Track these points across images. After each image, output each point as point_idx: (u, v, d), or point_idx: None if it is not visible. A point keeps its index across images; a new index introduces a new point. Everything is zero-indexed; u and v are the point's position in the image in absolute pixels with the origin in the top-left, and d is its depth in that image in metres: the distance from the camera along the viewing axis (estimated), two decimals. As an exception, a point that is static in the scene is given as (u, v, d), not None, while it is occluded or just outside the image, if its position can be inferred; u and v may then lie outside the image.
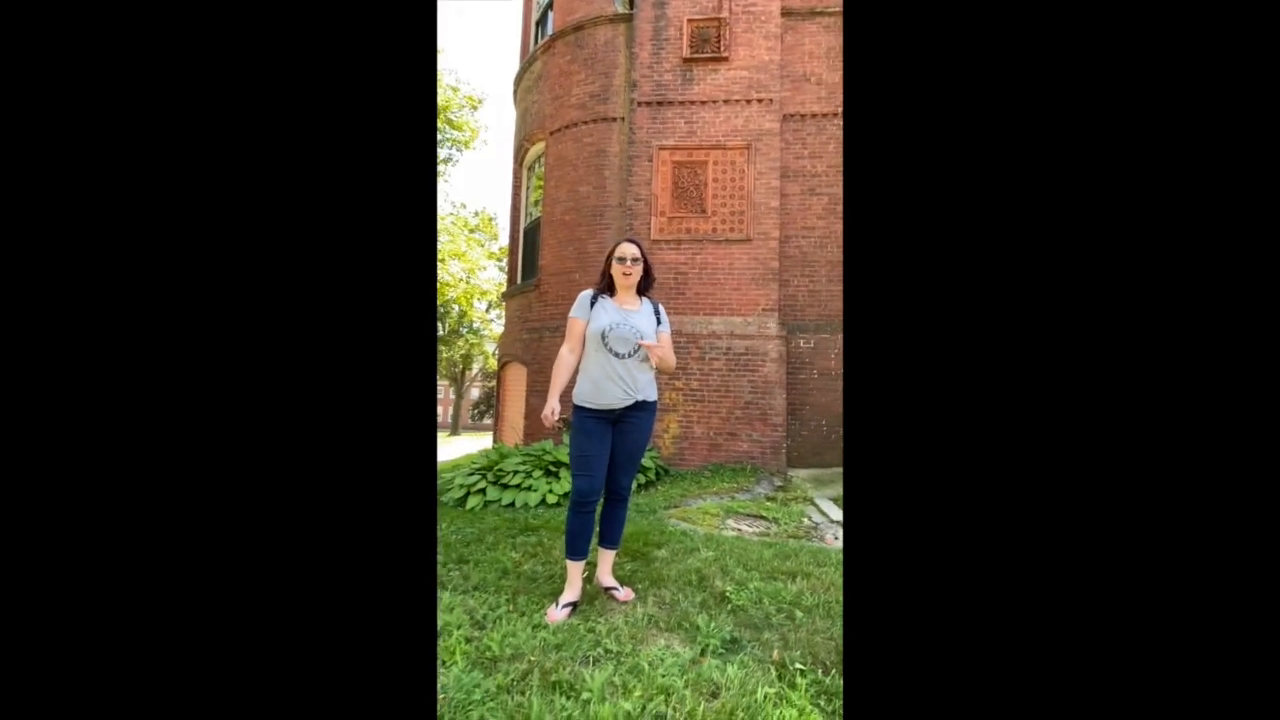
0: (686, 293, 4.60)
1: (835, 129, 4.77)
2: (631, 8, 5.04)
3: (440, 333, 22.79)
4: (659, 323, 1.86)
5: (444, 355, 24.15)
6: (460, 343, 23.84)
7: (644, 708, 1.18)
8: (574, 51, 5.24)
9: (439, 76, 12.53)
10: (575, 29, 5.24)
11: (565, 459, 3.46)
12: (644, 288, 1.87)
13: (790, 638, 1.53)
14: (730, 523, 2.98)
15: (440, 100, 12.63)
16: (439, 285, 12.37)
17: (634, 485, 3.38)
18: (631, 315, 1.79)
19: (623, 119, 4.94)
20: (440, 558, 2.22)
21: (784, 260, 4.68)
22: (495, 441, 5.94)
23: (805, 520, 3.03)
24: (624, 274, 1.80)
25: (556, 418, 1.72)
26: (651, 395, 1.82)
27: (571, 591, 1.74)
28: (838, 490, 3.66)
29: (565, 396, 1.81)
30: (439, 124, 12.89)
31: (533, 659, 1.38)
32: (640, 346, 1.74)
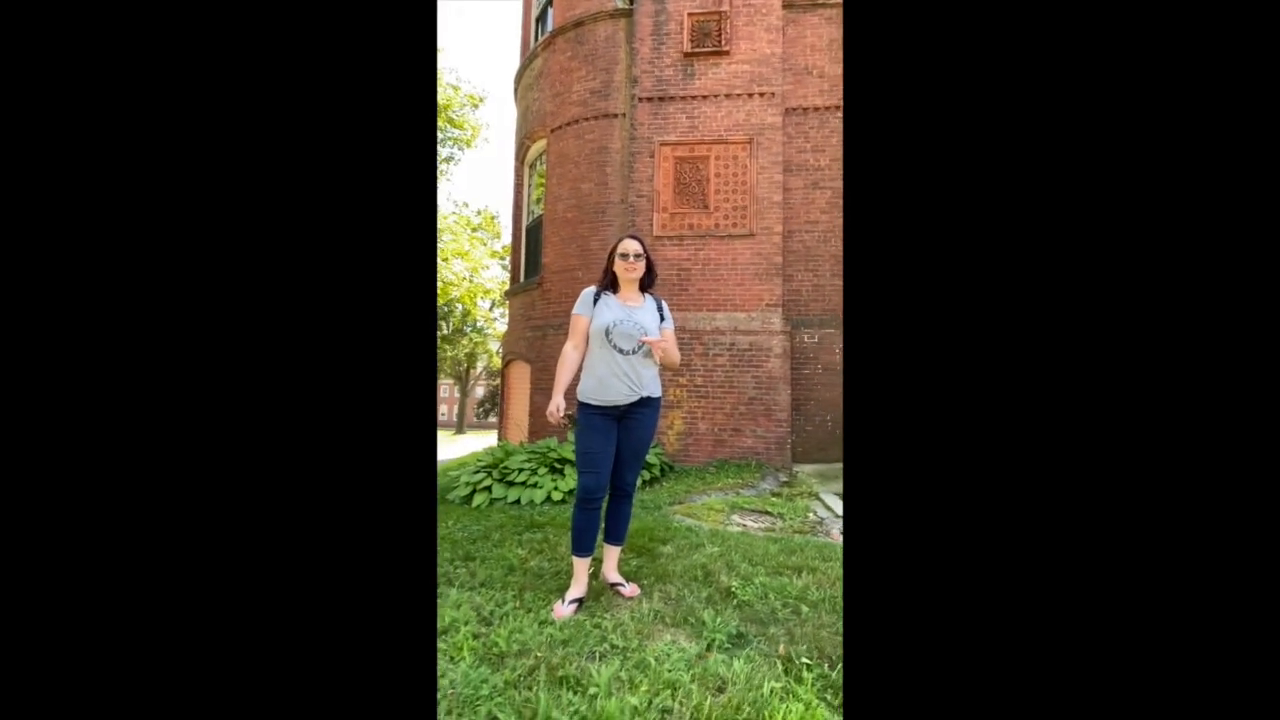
0: (690, 289, 4.59)
1: (838, 122, 4.73)
2: (632, 3, 5.01)
3: (444, 332, 22.88)
4: (662, 319, 1.86)
5: (449, 354, 24.26)
6: (464, 341, 23.93)
7: (651, 702, 1.19)
8: (574, 48, 5.22)
9: (440, 76, 12.52)
10: (575, 25, 5.22)
11: (570, 456, 3.47)
12: (647, 284, 1.87)
13: (796, 632, 1.53)
14: (735, 518, 2.98)
15: (441, 99, 12.62)
16: (443, 285, 12.39)
17: (639, 482, 3.39)
18: (635, 311, 1.79)
19: (624, 115, 4.92)
20: (447, 555, 2.24)
21: (787, 255, 4.66)
22: (500, 439, 5.97)
23: (810, 515, 3.03)
24: (627, 270, 1.79)
25: (562, 415, 1.73)
26: (656, 391, 1.82)
27: (578, 587, 1.74)
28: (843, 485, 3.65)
29: (570, 393, 1.81)
30: (440, 123, 12.89)
31: (540, 654, 1.39)
32: (644, 343, 1.74)
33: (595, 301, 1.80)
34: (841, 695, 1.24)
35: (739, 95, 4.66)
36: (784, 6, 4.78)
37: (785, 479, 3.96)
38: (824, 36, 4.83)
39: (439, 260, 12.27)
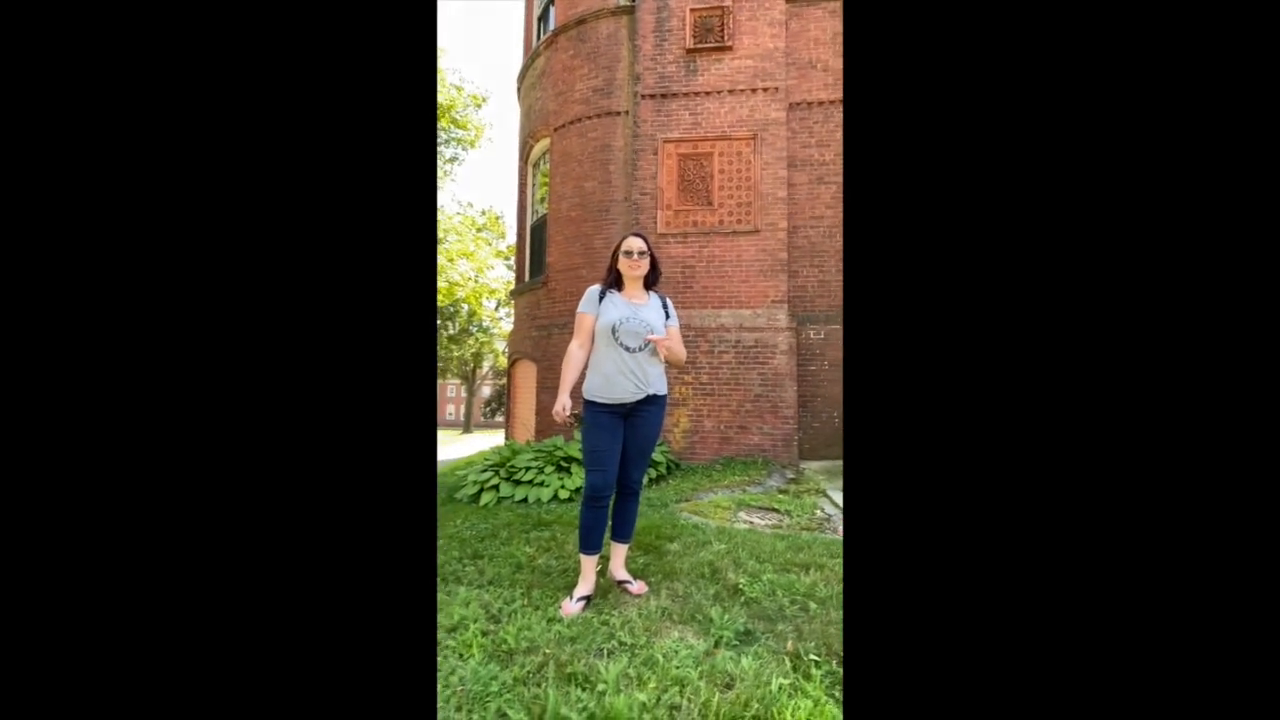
0: (694, 286, 4.58)
1: (842, 116, 4.69)
2: (633, -1, 5.00)
3: (451, 332, 23.01)
4: (667, 316, 1.86)
5: (455, 354, 24.39)
6: (471, 341, 24.05)
7: (659, 699, 1.19)
8: (576, 46, 5.21)
9: (443, 77, 12.55)
10: (577, 23, 5.21)
11: (576, 454, 3.48)
12: (651, 281, 1.87)
13: (804, 629, 1.53)
14: (742, 516, 2.98)
15: (445, 100, 12.66)
16: (449, 285, 12.46)
17: (645, 479, 3.38)
18: (641, 309, 1.79)
19: (627, 113, 4.91)
20: (455, 553, 2.25)
21: (793, 251, 4.63)
22: (507, 438, 6.00)
23: (818, 512, 3.02)
24: (631, 268, 1.79)
25: (568, 414, 1.73)
26: (662, 389, 1.82)
27: (585, 585, 1.75)
28: (851, 482, 3.63)
29: (575, 392, 1.82)
30: (444, 124, 12.92)
31: (548, 651, 1.40)
32: (649, 341, 1.74)
33: (601, 299, 1.80)
34: (850, 692, 1.23)
35: (742, 91, 4.64)
36: (787, 0, 4.75)
37: (792, 476, 3.95)
38: (828, 30, 4.79)
39: (445, 261, 12.33)
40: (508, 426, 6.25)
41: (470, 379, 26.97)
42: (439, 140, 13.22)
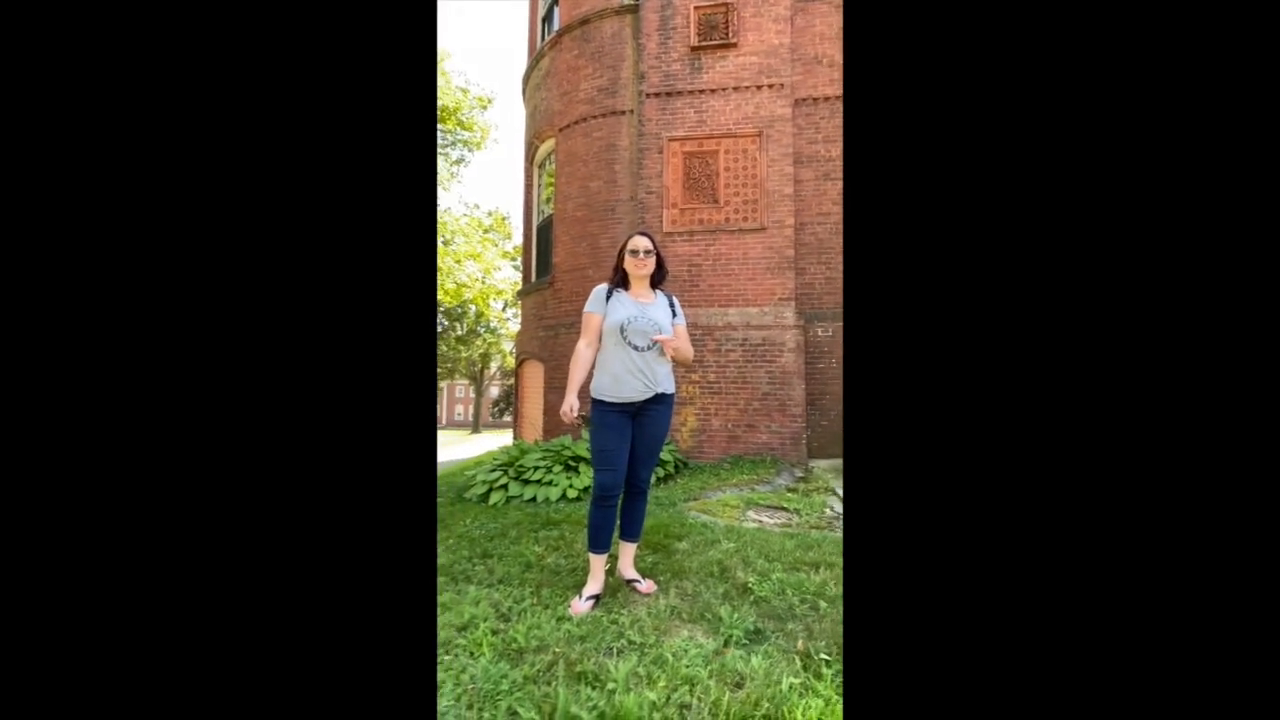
0: (701, 284, 4.57)
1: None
2: (637, -2, 4.99)
3: (459, 333, 23.17)
4: (674, 315, 1.85)
5: (463, 355, 24.55)
6: (479, 342, 24.19)
7: (669, 698, 1.19)
8: (581, 46, 5.22)
9: (449, 79, 12.61)
10: (581, 23, 5.22)
11: (584, 454, 3.49)
12: (657, 280, 1.87)
13: (815, 628, 1.52)
14: (751, 514, 2.96)
15: (451, 102, 12.72)
16: (457, 287, 12.52)
17: (653, 479, 3.38)
18: (648, 308, 1.79)
19: (632, 112, 4.91)
20: (465, 552, 2.27)
21: (800, 248, 4.60)
22: (515, 438, 6.02)
23: (827, 511, 3.00)
24: (637, 267, 1.79)
25: (576, 414, 1.73)
26: (670, 388, 1.82)
27: (594, 584, 1.75)
28: (860, 480, 3.60)
29: (583, 391, 1.82)
30: (450, 126, 12.99)
31: (558, 650, 1.40)
32: (657, 342, 1.73)
33: (608, 299, 1.80)
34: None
35: (747, 88, 4.61)
36: (792, -4, 4.72)
37: (801, 474, 3.92)
38: (833, 25, 4.75)
39: (453, 263, 12.40)
40: (516, 426, 6.28)
41: (478, 379, 27.12)
42: (446, 142, 13.29)
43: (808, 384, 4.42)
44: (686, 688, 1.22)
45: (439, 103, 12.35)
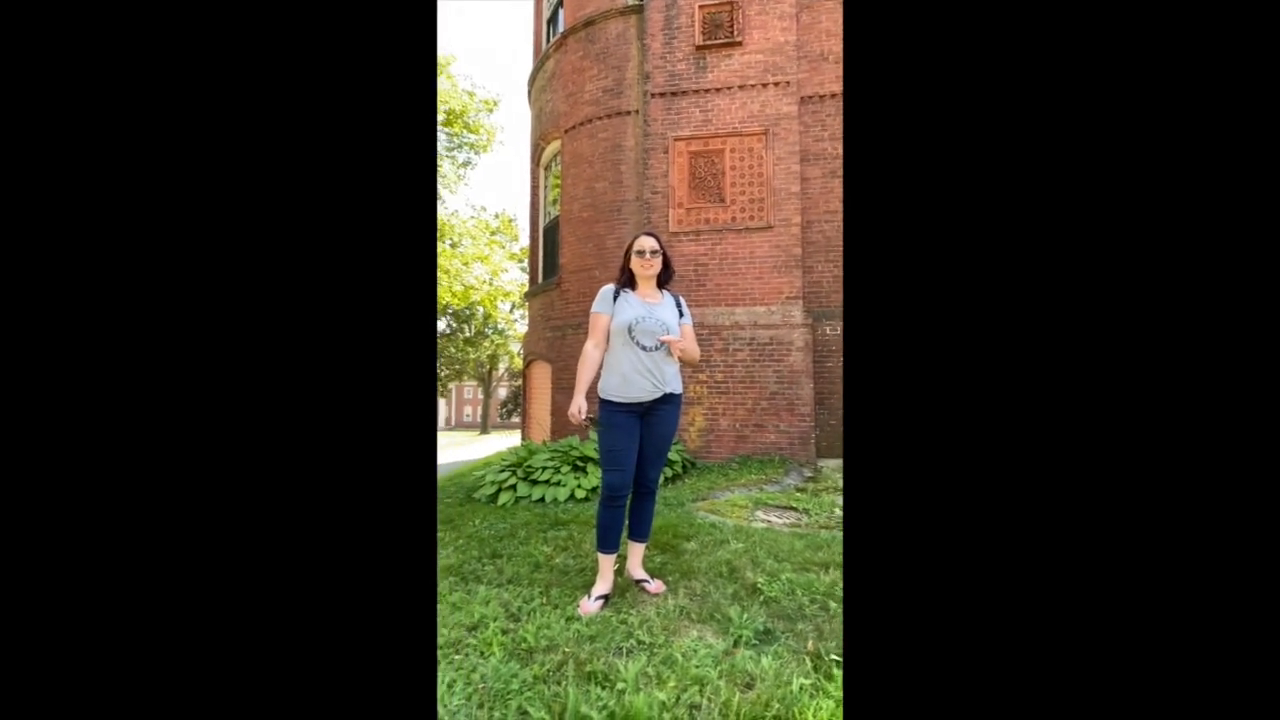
0: (707, 284, 4.56)
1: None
2: (642, -2, 4.99)
3: (467, 335, 23.33)
4: (681, 315, 1.85)
5: (471, 356, 24.71)
6: (486, 344, 24.34)
7: (679, 698, 1.19)
8: (586, 47, 5.23)
9: (455, 84, 12.70)
10: (586, 24, 5.23)
11: (592, 454, 3.49)
12: (664, 280, 1.87)
13: (825, 629, 1.51)
14: (759, 514, 2.95)
15: (458, 106, 12.82)
16: (464, 289, 12.61)
17: (661, 479, 3.38)
18: (655, 308, 1.79)
19: (637, 112, 4.91)
20: (474, 552, 2.28)
21: (807, 246, 4.58)
22: (524, 439, 6.05)
23: (836, 510, 2.98)
24: (644, 267, 1.79)
25: (584, 416, 1.73)
26: (677, 388, 1.82)
27: (603, 584, 1.75)
28: (870, 479, 3.57)
29: (591, 392, 1.82)
30: (457, 129, 13.08)
31: (567, 650, 1.40)
32: (663, 342, 1.73)
33: (615, 299, 1.80)
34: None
35: (753, 86, 4.60)
36: (797, -7, 4.69)
37: (810, 474, 3.90)
38: (839, 21, 4.71)
39: (461, 265, 12.49)
40: (524, 427, 6.31)
41: (487, 381, 27.29)
42: (453, 145, 13.39)
43: (816, 383, 4.40)
44: (696, 688, 1.22)
45: (446, 106, 12.44)
